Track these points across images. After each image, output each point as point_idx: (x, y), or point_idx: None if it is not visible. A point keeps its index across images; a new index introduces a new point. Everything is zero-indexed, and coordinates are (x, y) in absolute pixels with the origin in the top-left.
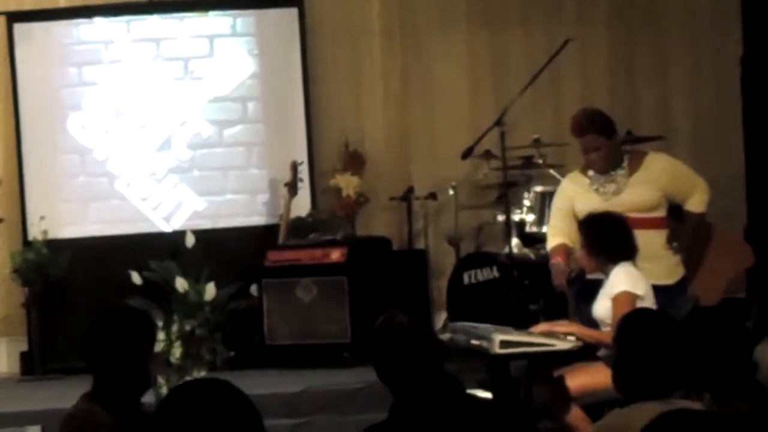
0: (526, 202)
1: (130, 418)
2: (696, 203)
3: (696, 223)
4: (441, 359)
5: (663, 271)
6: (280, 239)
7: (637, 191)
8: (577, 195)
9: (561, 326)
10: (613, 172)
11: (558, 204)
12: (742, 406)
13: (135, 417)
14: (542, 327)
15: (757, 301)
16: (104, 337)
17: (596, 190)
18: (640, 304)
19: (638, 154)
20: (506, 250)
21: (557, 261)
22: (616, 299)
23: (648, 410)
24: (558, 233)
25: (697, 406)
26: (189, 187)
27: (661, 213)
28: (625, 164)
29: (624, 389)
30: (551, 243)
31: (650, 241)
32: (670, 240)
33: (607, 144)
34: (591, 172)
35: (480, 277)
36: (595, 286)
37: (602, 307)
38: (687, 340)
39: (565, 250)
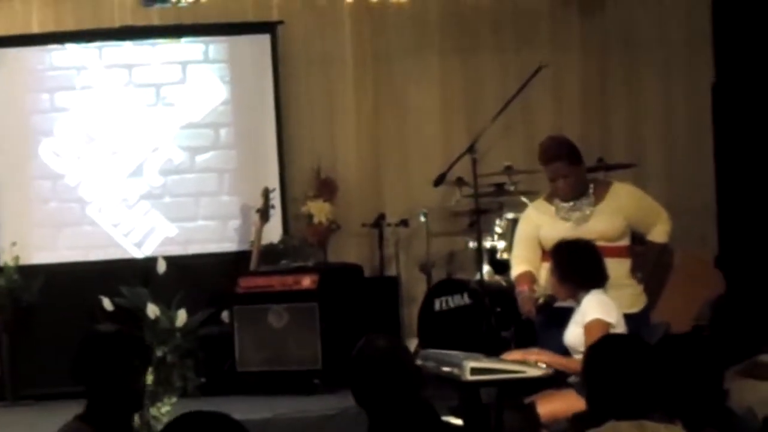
0: (498, 229)
1: None
2: (659, 233)
3: (658, 252)
4: (419, 384)
5: (627, 299)
6: (252, 266)
7: (603, 220)
8: (543, 223)
9: (533, 354)
10: (578, 201)
11: (522, 232)
12: None
13: None
14: (514, 355)
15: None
16: (99, 357)
17: (562, 218)
18: (611, 332)
19: (603, 184)
20: (478, 277)
21: (523, 289)
22: (589, 327)
23: (622, 429)
24: (522, 261)
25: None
26: (161, 213)
27: (625, 242)
28: (590, 193)
29: (597, 417)
30: (516, 271)
31: (615, 269)
32: (634, 269)
33: (573, 172)
34: (557, 200)
35: (451, 304)
36: (564, 313)
37: (574, 335)
38: (658, 365)
39: (529, 277)
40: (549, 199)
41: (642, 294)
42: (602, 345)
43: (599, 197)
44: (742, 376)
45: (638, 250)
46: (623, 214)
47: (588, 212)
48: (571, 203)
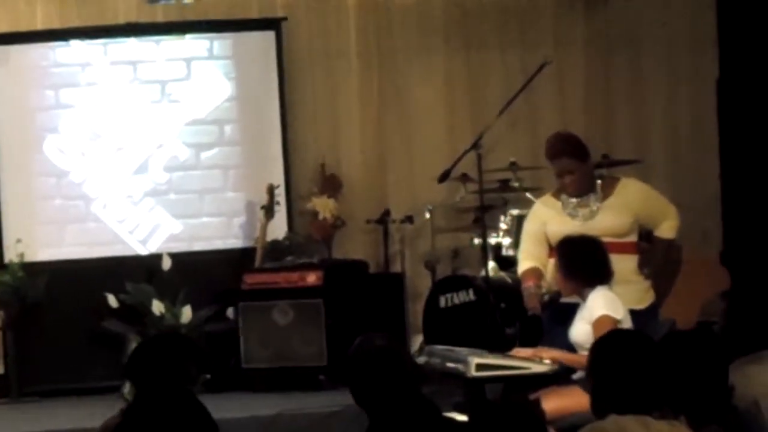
0: (503, 225)
1: None
2: (666, 229)
3: (666, 248)
4: (417, 382)
5: (634, 296)
6: (257, 262)
7: (610, 216)
8: (550, 218)
9: (542, 352)
10: (586, 197)
11: (529, 228)
12: (716, 430)
13: None
14: (524, 352)
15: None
16: (154, 358)
17: (569, 214)
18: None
19: (611, 180)
20: (482, 273)
21: (529, 285)
22: (597, 323)
23: (624, 422)
24: (529, 257)
25: (682, 427)
26: (165, 209)
27: (632, 238)
28: (598, 189)
29: (601, 411)
30: (522, 267)
31: (622, 266)
32: (641, 265)
33: (581, 168)
34: (564, 196)
35: (456, 301)
36: (569, 310)
37: (580, 331)
38: (663, 361)
39: (536, 273)
40: (556, 195)
41: (649, 290)
42: (608, 340)
43: (607, 193)
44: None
45: (644, 247)
46: (631, 210)
47: (595, 208)
48: (579, 199)
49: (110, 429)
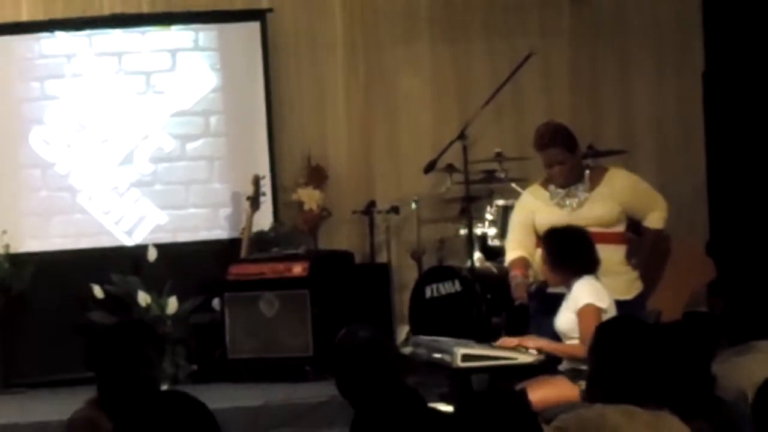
0: (489, 216)
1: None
2: (655, 220)
3: (654, 239)
4: (401, 373)
5: (621, 286)
6: (243, 253)
7: (598, 206)
8: (537, 208)
9: (529, 341)
10: (574, 187)
11: (517, 217)
12: (702, 424)
13: None
14: (510, 341)
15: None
16: (110, 346)
17: (557, 204)
18: (604, 317)
19: (599, 170)
20: (468, 263)
21: (516, 274)
22: (582, 312)
23: (605, 411)
24: (517, 246)
25: (667, 416)
26: (151, 200)
27: (620, 228)
28: (586, 179)
29: (598, 399)
30: (510, 256)
31: (609, 256)
32: (629, 255)
33: (569, 158)
34: (552, 186)
35: (442, 291)
36: (556, 300)
37: (565, 320)
38: (650, 353)
39: (524, 263)
40: (544, 184)
41: (637, 281)
42: (612, 325)
43: (594, 183)
44: (734, 356)
45: (631, 237)
46: (619, 200)
47: (583, 198)
48: (567, 189)
49: (79, 423)
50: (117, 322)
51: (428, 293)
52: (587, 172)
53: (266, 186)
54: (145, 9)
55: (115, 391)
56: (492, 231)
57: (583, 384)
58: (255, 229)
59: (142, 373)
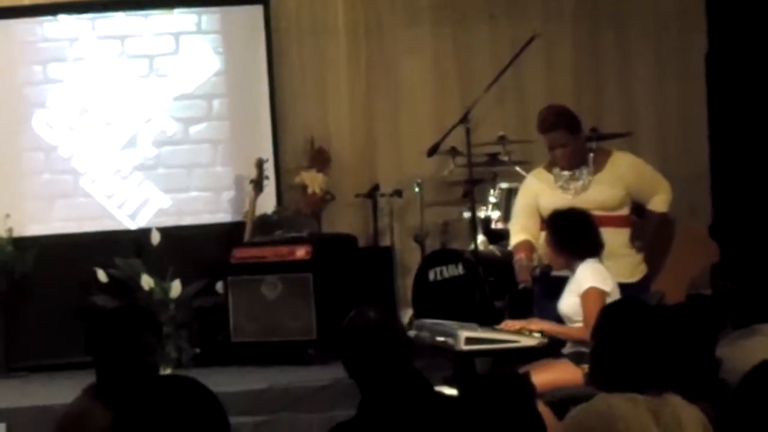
0: (492, 199)
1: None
2: (659, 203)
3: (658, 222)
4: (410, 355)
5: (625, 269)
6: (246, 236)
7: (602, 189)
8: (541, 191)
9: (532, 324)
10: (578, 170)
11: (521, 200)
12: (706, 407)
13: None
14: (513, 324)
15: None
16: (109, 332)
17: (561, 187)
18: (607, 301)
19: (603, 153)
20: (472, 247)
21: (520, 257)
22: (585, 295)
23: (612, 400)
24: (521, 230)
25: (671, 398)
26: (154, 184)
27: (624, 211)
28: (590, 162)
29: (602, 382)
30: (514, 239)
31: (613, 239)
32: (633, 238)
33: (573, 141)
34: (556, 169)
35: (445, 274)
36: (559, 283)
37: (569, 304)
38: (659, 334)
39: (528, 246)
40: (548, 168)
41: (641, 263)
42: (618, 307)
43: (599, 166)
44: (738, 339)
45: (635, 220)
46: (623, 183)
47: (587, 181)
48: (571, 172)
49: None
50: (116, 307)
51: (431, 276)
52: (591, 155)
53: (269, 169)
54: None
55: (113, 376)
56: (495, 214)
57: (586, 367)
58: (258, 212)
59: (140, 359)
